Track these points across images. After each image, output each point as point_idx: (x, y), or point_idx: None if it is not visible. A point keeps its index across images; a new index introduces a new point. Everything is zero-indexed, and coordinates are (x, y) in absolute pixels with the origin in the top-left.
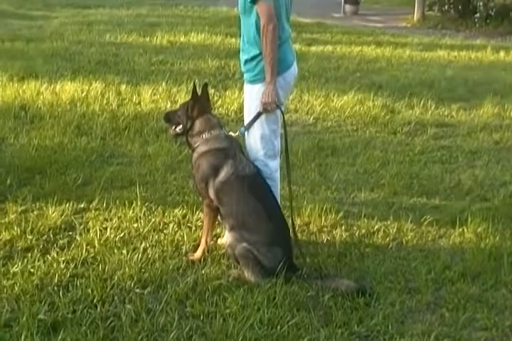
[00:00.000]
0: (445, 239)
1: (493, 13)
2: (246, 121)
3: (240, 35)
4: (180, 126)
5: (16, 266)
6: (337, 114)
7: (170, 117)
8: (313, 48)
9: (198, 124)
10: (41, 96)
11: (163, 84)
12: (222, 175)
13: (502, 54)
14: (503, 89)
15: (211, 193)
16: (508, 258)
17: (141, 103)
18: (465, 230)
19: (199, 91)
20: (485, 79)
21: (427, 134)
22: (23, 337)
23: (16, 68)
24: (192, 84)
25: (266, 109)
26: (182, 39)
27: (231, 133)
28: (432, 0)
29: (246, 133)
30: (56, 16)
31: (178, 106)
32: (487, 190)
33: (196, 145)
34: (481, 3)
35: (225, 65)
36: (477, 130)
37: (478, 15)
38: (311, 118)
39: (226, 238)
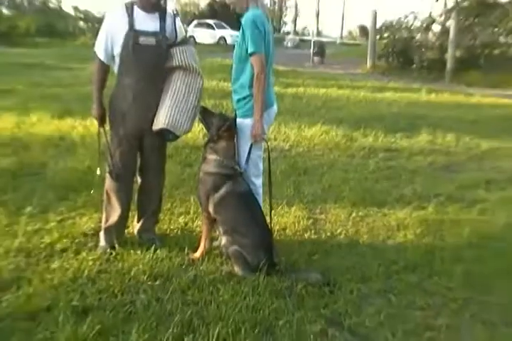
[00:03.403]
0: (392, 240)
1: (425, 64)
2: (239, 147)
3: (232, 80)
4: (209, 128)
5: (55, 263)
6: (307, 141)
7: (205, 115)
8: (289, 90)
9: (221, 145)
10: (75, 130)
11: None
12: (221, 192)
13: (433, 95)
14: (435, 122)
15: (210, 207)
16: (439, 254)
17: None
18: (407, 232)
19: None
20: (421, 114)
21: (378, 157)
22: (60, 319)
23: (56, 108)
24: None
25: (256, 140)
26: None
27: (238, 167)
28: (380, 53)
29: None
30: (88, 67)
31: (216, 113)
32: (423, 200)
33: (209, 158)
34: (416, 57)
35: (219, 104)
36: (416, 154)
37: (414, 65)
38: (287, 145)
39: (219, 240)
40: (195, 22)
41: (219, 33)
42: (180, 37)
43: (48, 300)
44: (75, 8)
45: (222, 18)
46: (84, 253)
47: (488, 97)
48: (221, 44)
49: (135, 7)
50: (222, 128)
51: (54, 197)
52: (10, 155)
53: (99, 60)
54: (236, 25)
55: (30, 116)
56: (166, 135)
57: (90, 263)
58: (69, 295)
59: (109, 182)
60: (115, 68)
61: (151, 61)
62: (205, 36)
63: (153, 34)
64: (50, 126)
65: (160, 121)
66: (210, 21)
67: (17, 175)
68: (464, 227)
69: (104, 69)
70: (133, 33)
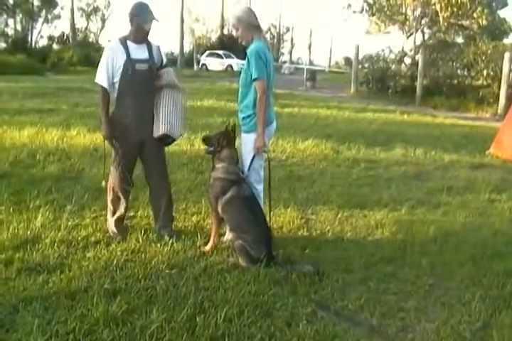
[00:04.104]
0: (371, 236)
1: (399, 90)
2: (243, 157)
3: (238, 101)
4: (212, 148)
5: (90, 253)
6: (301, 153)
7: (207, 140)
8: (286, 109)
9: (224, 153)
10: (106, 142)
11: (185, 133)
12: (228, 195)
13: (405, 116)
14: (407, 138)
15: (219, 207)
16: (410, 248)
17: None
18: (384, 230)
19: (230, 130)
20: (396, 131)
21: (360, 167)
22: (95, 298)
23: (91, 124)
24: (225, 125)
25: (258, 151)
26: (198, 103)
27: (241, 173)
28: (361, 80)
29: (243, 167)
30: None
31: (214, 133)
32: (398, 203)
33: (217, 166)
34: (391, 84)
35: (226, 121)
36: (391, 164)
37: (390, 91)
38: (284, 156)
39: (227, 236)
40: (207, 52)
41: (227, 61)
42: (164, 62)
43: (84, 283)
44: (109, 41)
45: (229, 49)
46: (113, 245)
47: (449, 118)
48: (229, 71)
49: (128, 41)
50: (220, 139)
51: (89, 197)
52: (55, 162)
53: (103, 88)
54: (241, 54)
55: (71, 130)
56: (166, 139)
57: (119, 253)
58: (101, 280)
59: (115, 182)
60: (114, 93)
61: (145, 82)
62: (216, 64)
63: (145, 61)
64: (86, 139)
65: (160, 129)
66: (220, 52)
67: (60, 179)
68: (430, 226)
69: (108, 95)
70: (130, 61)
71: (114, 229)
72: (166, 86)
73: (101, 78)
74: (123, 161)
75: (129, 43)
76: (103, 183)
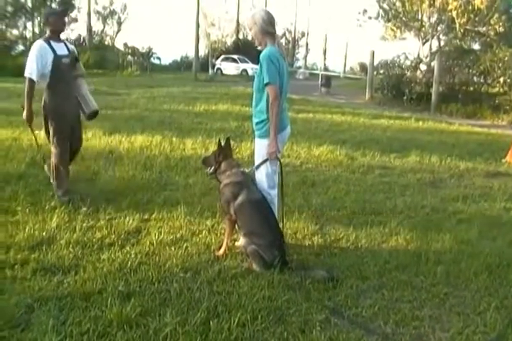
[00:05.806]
0: (386, 243)
1: (414, 97)
2: (256, 163)
3: (252, 106)
4: (212, 167)
5: (104, 254)
6: (315, 159)
7: (205, 161)
8: (300, 115)
9: (223, 165)
10: (122, 145)
11: (200, 137)
12: (239, 199)
13: (420, 123)
14: (422, 145)
15: (232, 211)
16: (425, 256)
17: (185, 149)
18: (398, 237)
19: (223, 143)
20: (411, 138)
21: (374, 173)
22: (109, 300)
23: (106, 126)
24: (218, 138)
25: (271, 156)
26: (213, 108)
27: (246, 169)
28: (376, 86)
29: (256, 171)
30: (133, 93)
31: (210, 153)
32: (413, 210)
33: (222, 179)
34: (406, 90)
35: (241, 125)
36: (406, 171)
37: (405, 97)
38: (298, 161)
39: (241, 241)
40: (222, 57)
41: (242, 66)
42: (77, 55)
43: (99, 285)
44: (125, 45)
45: (244, 53)
46: (127, 248)
47: (465, 126)
48: (243, 75)
49: (50, 41)
50: (217, 155)
51: (104, 199)
52: (70, 164)
53: (31, 81)
54: (256, 59)
55: (86, 133)
56: (94, 114)
57: (133, 256)
58: (116, 282)
59: (59, 159)
60: (44, 83)
61: (70, 73)
62: (231, 68)
63: (67, 56)
64: (101, 141)
65: (92, 106)
66: (235, 56)
67: (75, 181)
68: (445, 234)
69: (33, 87)
70: (58, 57)
71: (63, 196)
72: (80, 75)
73: (30, 72)
74: (65, 139)
75: (52, 42)
76: (45, 167)
